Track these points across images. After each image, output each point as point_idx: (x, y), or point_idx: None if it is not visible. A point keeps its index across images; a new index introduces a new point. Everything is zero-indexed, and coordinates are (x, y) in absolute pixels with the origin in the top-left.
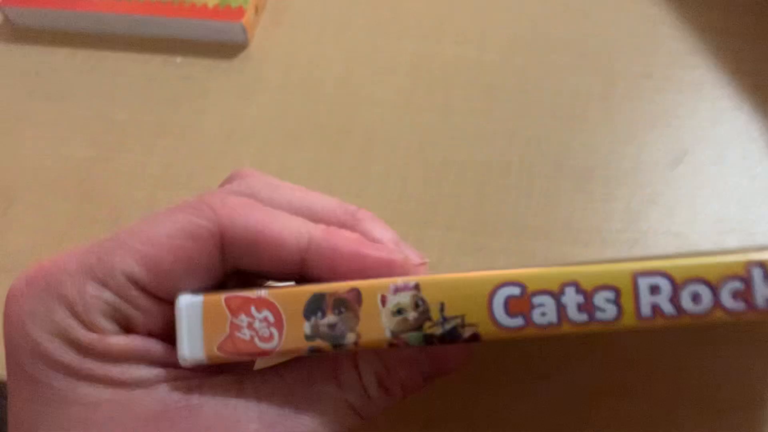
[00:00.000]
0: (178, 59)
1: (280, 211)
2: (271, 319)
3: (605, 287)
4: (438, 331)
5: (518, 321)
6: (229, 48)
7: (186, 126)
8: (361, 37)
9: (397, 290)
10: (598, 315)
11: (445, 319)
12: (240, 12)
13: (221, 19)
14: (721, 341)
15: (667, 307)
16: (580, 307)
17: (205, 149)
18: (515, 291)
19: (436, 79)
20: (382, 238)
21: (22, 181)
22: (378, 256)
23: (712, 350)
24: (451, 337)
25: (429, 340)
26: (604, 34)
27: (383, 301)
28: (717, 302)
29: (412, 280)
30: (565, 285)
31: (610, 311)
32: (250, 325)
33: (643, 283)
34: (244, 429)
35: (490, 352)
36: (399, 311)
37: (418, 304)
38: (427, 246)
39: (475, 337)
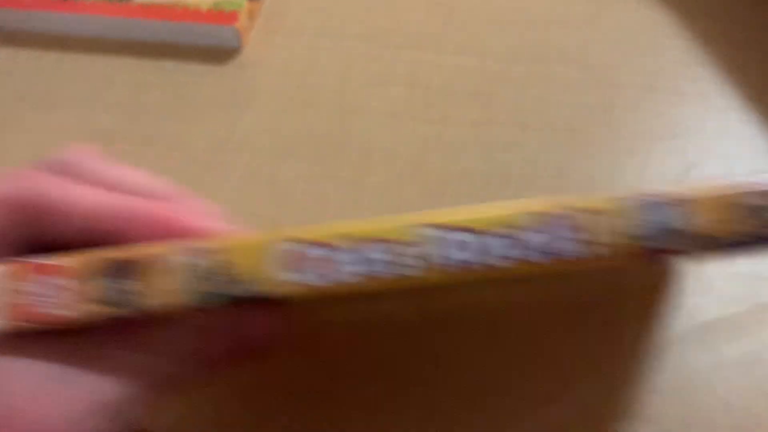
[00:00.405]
0: (170, 64)
1: (90, 185)
2: (65, 285)
3: (381, 240)
4: (229, 291)
5: (303, 276)
6: (221, 53)
7: (176, 134)
8: (358, 46)
9: (191, 253)
10: (376, 267)
11: (234, 281)
12: (234, 16)
13: (214, 22)
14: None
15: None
16: (362, 262)
17: (194, 158)
18: (299, 248)
19: (434, 88)
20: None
21: None
22: (187, 224)
23: (718, 376)
24: (243, 297)
25: (218, 300)
26: (608, 45)
27: (178, 264)
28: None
29: (205, 243)
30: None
31: (395, 266)
32: (41, 293)
33: (426, 234)
34: (16, 385)
35: (493, 375)
36: (193, 273)
37: (211, 266)
38: None
39: (264, 297)
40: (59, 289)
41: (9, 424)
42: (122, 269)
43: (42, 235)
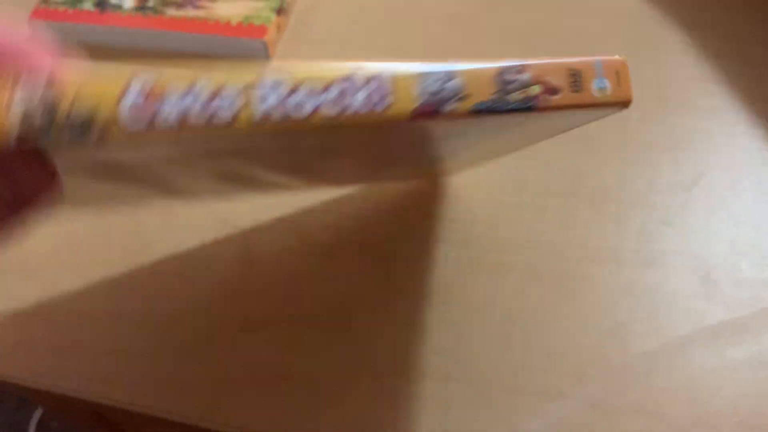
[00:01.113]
0: None
1: None
2: None
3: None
4: (67, 124)
5: (147, 115)
6: None
7: None
8: (382, 58)
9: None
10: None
11: (72, 116)
12: (263, 30)
13: (244, 36)
14: None
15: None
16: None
17: None
18: (146, 86)
19: None
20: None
21: None
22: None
23: (724, 377)
24: (82, 130)
25: (59, 136)
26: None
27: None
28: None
29: (45, 72)
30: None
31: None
32: None
33: (238, 86)
34: None
35: (502, 370)
36: (28, 107)
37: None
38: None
39: (104, 134)
40: None
41: None
42: None
43: None
